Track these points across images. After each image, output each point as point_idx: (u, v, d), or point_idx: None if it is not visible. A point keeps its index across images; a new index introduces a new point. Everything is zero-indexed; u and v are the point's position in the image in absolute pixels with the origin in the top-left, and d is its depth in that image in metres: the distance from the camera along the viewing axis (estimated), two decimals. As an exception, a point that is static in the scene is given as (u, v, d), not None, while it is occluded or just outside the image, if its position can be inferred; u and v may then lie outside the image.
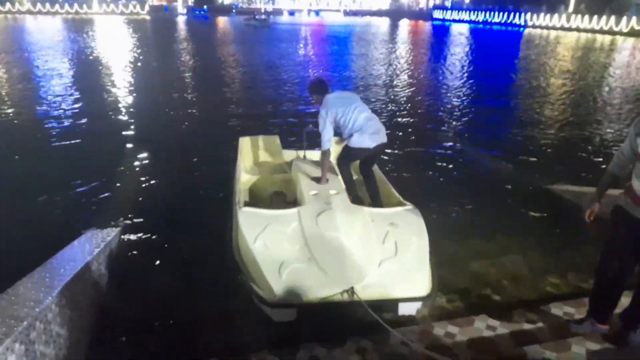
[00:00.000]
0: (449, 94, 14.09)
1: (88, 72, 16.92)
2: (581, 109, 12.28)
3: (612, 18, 42.13)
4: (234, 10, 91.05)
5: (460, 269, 4.34)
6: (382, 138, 4.51)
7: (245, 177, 5.22)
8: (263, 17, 58.16)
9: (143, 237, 5.04)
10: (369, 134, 4.39)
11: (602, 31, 42.35)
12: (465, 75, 18.21)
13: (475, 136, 9.50)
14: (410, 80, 16.72)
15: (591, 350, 2.95)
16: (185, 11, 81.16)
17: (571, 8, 50.36)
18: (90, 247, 3.93)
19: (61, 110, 10.73)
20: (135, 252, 4.73)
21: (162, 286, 4.02)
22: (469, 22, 62.95)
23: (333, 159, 4.84)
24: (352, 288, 3.14)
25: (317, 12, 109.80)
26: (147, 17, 65.36)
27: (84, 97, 12.39)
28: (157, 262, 4.55)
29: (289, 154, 6.04)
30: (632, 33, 39.36)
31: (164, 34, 39.60)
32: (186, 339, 3.50)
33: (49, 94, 12.67)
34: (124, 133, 9.11)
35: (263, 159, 6.09)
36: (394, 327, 3.25)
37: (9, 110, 10.66)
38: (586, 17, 44.98)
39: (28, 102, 11.76)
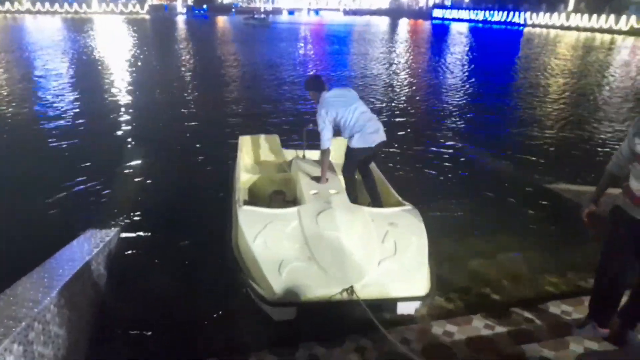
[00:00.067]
0: (448, 93, 14.09)
1: (88, 72, 16.92)
2: (581, 108, 12.27)
3: (612, 17, 42.09)
4: (233, 10, 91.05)
5: (458, 268, 4.35)
6: (382, 136, 4.52)
7: (245, 176, 5.22)
8: (262, 16, 58.23)
9: (142, 236, 5.04)
10: (370, 133, 4.40)
11: (601, 30, 42.33)
12: (465, 74, 18.20)
13: (475, 135, 9.50)
14: (410, 80, 16.72)
15: (589, 349, 2.95)
16: (184, 10, 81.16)
17: (571, 7, 50.30)
18: (89, 247, 3.93)
19: (61, 110, 10.73)
20: (134, 252, 4.72)
21: (162, 286, 4.02)
22: (469, 21, 62.92)
23: (333, 158, 4.85)
24: (351, 287, 3.15)
25: (316, 11, 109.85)
26: (147, 17, 65.31)
27: (84, 97, 12.39)
28: (157, 262, 4.55)
29: (288, 153, 6.05)
30: (632, 32, 39.34)
31: (163, 34, 39.58)
32: (186, 339, 3.50)
33: (49, 93, 12.67)
34: (123, 133, 9.11)
35: (263, 158, 6.09)
36: (393, 326, 3.27)
37: (9, 111, 10.65)
38: (586, 15, 44.95)
39: (28, 102, 11.75)
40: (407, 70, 19.14)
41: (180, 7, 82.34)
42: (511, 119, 11.10)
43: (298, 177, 4.59)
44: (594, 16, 43.72)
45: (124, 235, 4.92)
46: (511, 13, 55.53)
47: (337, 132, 4.55)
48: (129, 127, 9.55)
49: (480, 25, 57.35)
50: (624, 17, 41.07)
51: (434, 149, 8.40)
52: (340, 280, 3.21)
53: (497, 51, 28.10)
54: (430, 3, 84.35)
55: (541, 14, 50.79)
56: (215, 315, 3.76)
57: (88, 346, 3.29)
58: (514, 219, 5.59)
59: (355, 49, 27.90)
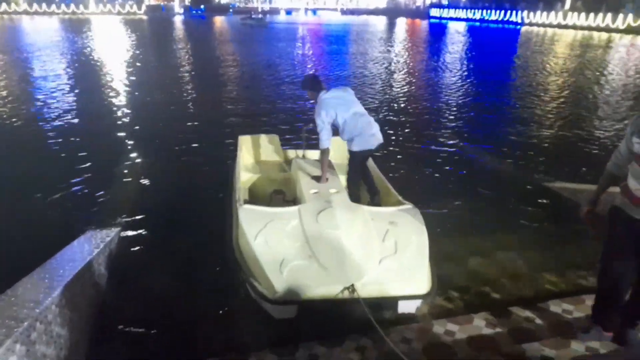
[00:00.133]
0: (447, 92, 14.11)
1: (86, 72, 16.89)
2: (579, 106, 12.29)
3: (609, 15, 42.25)
4: (230, 10, 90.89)
5: (459, 267, 4.36)
6: (380, 139, 4.60)
7: (244, 176, 5.22)
8: (260, 16, 58.23)
9: (143, 237, 5.05)
10: (369, 136, 4.48)
11: (598, 28, 42.46)
12: (463, 73, 18.22)
13: (473, 134, 9.51)
14: (408, 79, 16.73)
15: (591, 348, 2.96)
16: (182, 11, 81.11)
17: (567, 5, 50.42)
18: (89, 247, 3.93)
19: (60, 111, 10.71)
20: (135, 252, 4.73)
21: (162, 286, 4.02)
22: (466, 20, 63.03)
23: (332, 157, 4.85)
24: (352, 285, 3.16)
25: (314, 11, 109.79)
26: (144, 17, 65.27)
27: (83, 97, 12.39)
28: (157, 262, 4.54)
29: (288, 153, 6.06)
30: (629, 30, 39.47)
31: (161, 34, 39.53)
32: (186, 339, 3.51)
33: (48, 94, 12.64)
34: (123, 133, 9.10)
35: (263, 157, 6.09)
36: (393, 325, 3.28)
37: (9, 111, 10.63)
38: (582, 14, 45.08)
39: (27, 102, 11.73)
40: (406, 70, 19.14)
41: (177, 8, 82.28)
42: (510, 118, 11.11)
43: (298, 176, 4.59)
44: (591, 15, 43.88)
45: (124, 235, 4.92)
46: (508, 12, 55.68)
47: (336, 131, 4.58)
48: (128, 127, 9.54)
49: (477, 24, 57.46)
50: (620, 16, 41.25)
51: (434, 148, 8.42)
52: (340, 278, 3.21)
53: (494, 50, 28.13)
54: (427, 2, 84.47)
55: (538, 12, 50.92)
56: (215, 315, 3.76)
57: (89, 346, 3.29)
58: (514, 217, 5.60)
59: (353, 48, 27.88)
